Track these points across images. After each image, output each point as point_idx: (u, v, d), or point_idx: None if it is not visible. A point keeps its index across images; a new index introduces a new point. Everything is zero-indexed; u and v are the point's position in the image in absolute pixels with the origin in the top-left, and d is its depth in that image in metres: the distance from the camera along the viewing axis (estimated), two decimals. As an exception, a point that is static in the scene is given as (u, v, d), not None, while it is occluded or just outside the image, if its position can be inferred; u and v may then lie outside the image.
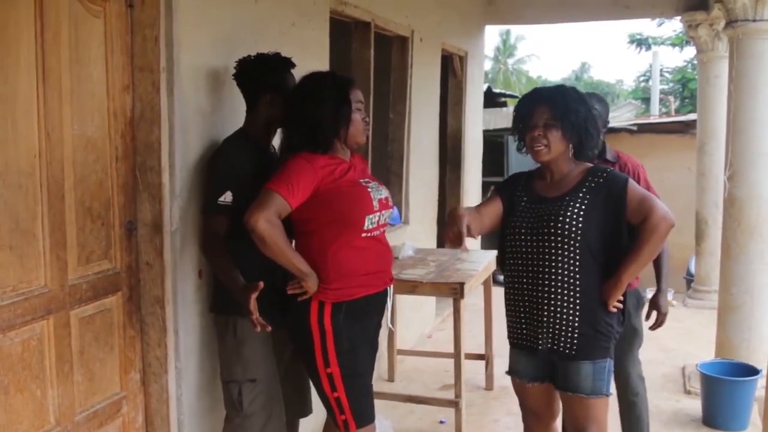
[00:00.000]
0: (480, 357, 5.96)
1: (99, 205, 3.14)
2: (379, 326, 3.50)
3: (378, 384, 5.94)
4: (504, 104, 12.72)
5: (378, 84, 6.34)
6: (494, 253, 6.03)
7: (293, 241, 3.29)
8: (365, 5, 5.64)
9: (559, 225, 3.16)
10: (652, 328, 4.15)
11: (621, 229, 3.18)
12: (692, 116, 12.11)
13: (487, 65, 46.97)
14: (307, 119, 3.25)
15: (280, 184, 3.08)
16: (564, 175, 3.28)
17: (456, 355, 4.94)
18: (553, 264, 3.18)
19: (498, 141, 11.47)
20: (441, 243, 8.15)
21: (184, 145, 3.41)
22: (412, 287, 4.89)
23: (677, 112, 18.38)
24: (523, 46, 66.40)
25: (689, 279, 9.44)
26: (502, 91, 12.09)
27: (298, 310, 3.24)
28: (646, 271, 3.45)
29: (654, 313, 4.12)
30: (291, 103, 3.33)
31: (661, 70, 25.46)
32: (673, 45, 24.48)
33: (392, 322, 5.87)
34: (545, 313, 3.21)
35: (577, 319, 3.18)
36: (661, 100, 22.40)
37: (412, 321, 6.89)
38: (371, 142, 5.93)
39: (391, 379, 6.12)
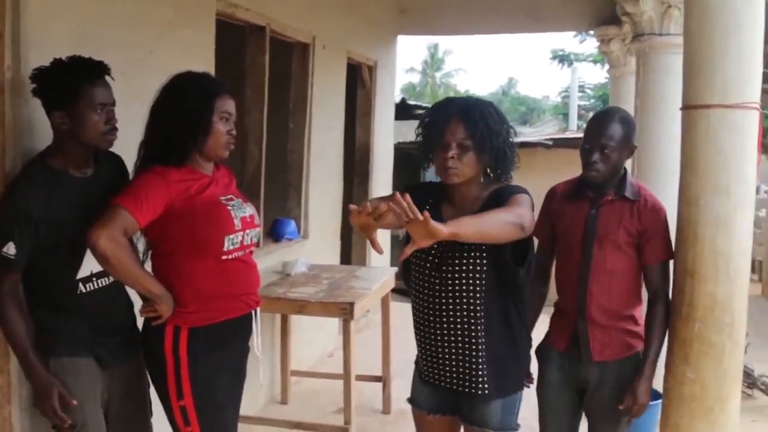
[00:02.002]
0: (377, 379, 5.70)
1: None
2: (244, 353, 3.24)
3: (270, 407, 5.68)
4: (420, 116, 12.52)
5: (277, 92, 6.10)
6: (392, 270, 5.81)
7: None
8: (258, 8, 5.35)
9: (464, 264, 2.88)
10: (624, 413, 3.30)
11: (526, 246, 2.89)
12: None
13: (415, 78, 47.23)
14: (162, 125, 2.97)
15: (128, 198, 2.81)
16: (470, 200, 2.96)
17: (345, 380, 4.69)
18: (458, 304, 2.92)
19: (414, 153, 11.22)
20: (345, 259, 7.91)
21: (32, 152, 3.07)
22: (300, 307, 4.63)
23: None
24: (451, 60, 66.87)
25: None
26: (418, 103, 11.90)
27: (152, 335, 2.99)
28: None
29: (629, 400, 3.25)
30: (152, 105, 3.04)
31: (582, 87, 25.75)
32: (595, 62, 24.73)
33: (287, 345, 5.60)
34: (447, 353, 2.98)
35: (482, 359, 2.93)
36: (581, 116, 22.59)
37: (313, 339, 6.60)
38: (266, 152, 5.66)
39: (284, 401, 5.81)
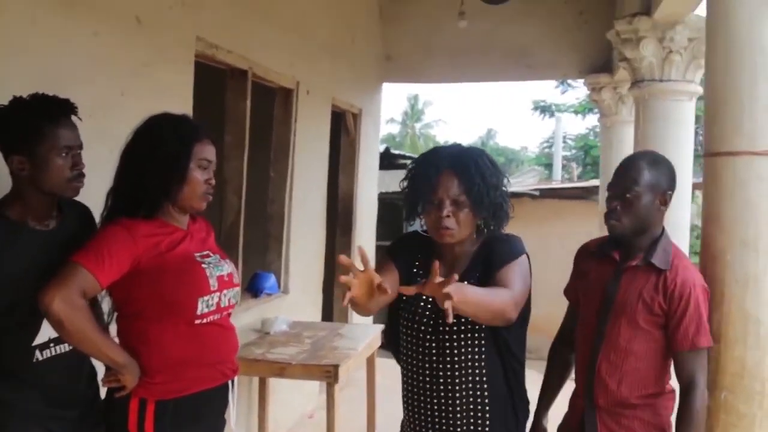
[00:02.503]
0: (363, 444, 5.33)
1: None
2: (219, 427, 2.87)
3: (246, 476, 5.28)
4: (404, 166, 12.30)
5: (258, 139, 5.80)
6: (377, 327, 5.47)
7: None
8: (241, 51, 5.07)
9: (462, 323, 2.59)
10: None
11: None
12: (594, 182, 12.06)
13: (395, 129, 47.20)
14: (133, 172, 2.64)
15: (88, 255, 2.47)
16: (462, 256, 2.69)
17: (330, 448, 4.32)
18: (457, 365, 2.61)
19: (397, 203, 11.01)
20: (326, 314, 7.55)
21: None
22: (280, 369, 4.28)
23: (579, 178, 18.38)
24: (430, 111, 67.16)
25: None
26: (401, 153, 11.67)
27: (115, 409, 2.62)
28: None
29: None
30: (123, 149, 2.70)
31: (564, 137, 25.69)
32: (576, 112, 24.69)
33: (265, 409, 5.22)
34: (448, 424, 2.65)
35: (487, 427, 2.64)
36: (563, 166, 22.51)
37: (292, 399, 6.20)
38: (245, 202, 5.33)
39: (261, 469, 5.41)
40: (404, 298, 2.68)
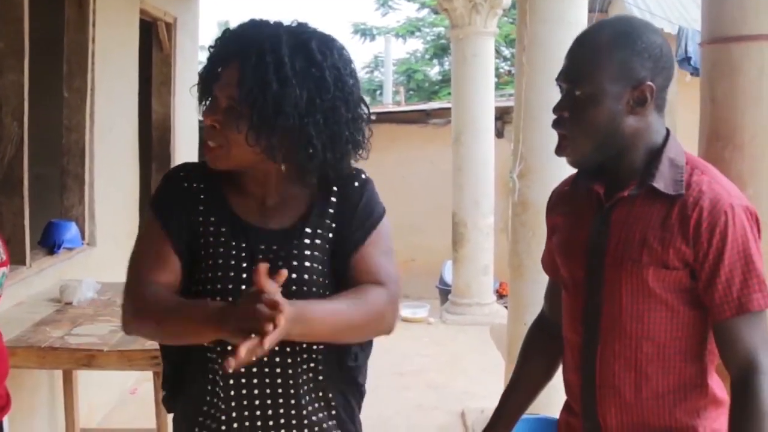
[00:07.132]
0: None
1: None
2: None
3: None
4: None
5: (45, 48, 4.54)
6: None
7: None
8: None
9: (299, 284, 1.69)
10: None
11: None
12: (434, 105, 11.33)
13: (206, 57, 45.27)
14: None
15: None
16: (284, 196, 1.78)
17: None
18: (286, 353, 1.71)
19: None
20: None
21: None
22: (88, 359, 3.11)
23: (407, 103, 17.62)
24: (242, 37, 65.26)
25: (444, 288, 8.29)
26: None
27: None
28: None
29: None
30: None
31: (383, 61, 24.96)
32: (397, 35, 23.97)
33: (72, 396, 4.02)
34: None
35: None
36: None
37: (106, 377, 4.99)
38: (30, 129, 4.05)
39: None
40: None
